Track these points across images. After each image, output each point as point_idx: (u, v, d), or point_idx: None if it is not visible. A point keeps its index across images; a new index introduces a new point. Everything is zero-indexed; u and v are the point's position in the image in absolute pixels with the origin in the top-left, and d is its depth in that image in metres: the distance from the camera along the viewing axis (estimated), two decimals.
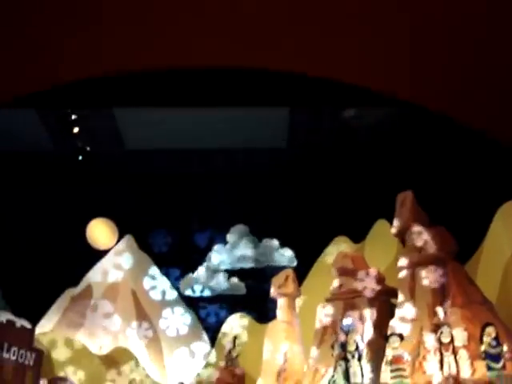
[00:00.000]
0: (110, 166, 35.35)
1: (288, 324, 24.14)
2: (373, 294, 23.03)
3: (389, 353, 15.72)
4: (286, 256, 30.10)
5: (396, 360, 15.32)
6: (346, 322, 15.98)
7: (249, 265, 31.16)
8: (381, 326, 22.16)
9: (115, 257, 34.02)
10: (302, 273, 28.02)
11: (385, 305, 23.18)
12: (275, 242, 30.95)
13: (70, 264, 33.16)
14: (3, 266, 32.18)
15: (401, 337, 15.77)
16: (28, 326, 26.33)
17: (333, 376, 16.55)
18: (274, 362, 23.48)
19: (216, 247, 31.95)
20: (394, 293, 23.58)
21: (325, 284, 25.54)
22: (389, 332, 18.23)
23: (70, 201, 35.39)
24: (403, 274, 20.31)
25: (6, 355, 25.13)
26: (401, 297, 20.30)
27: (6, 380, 24.47)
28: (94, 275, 33.57)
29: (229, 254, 31.26)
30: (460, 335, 15.51)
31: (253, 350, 28.59)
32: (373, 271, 23.64)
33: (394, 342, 15.66)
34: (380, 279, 23.70)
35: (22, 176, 35.46)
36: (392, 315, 21.54)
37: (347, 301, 22.59)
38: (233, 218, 32.07)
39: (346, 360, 15.33)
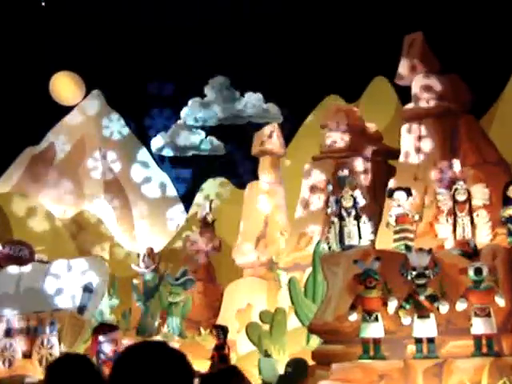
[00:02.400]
0: (76, 11, 31.90)
1: (271, 185, 21.59)
2: (369, 153, 20.54)
3: (393, 212, 13.02)
4: (271, 112, 26.97)
5: (401, 219, 12.66)
6: (342, 173, 13.16)
7: (229, 121, 28.06)
8: (375, 188, 19.88)
9: (81, 113, 31.05)
10: (288, 133, 25.26)
11: (381, 166, 20.79)
12: (259, 96, 27.72)
13: (30, 121, 30.30)
14: None
15: (408, 192, 12.98)
16: None
17: (326, 238, 13.93)
18: (254, 226, 21.07)
19: (192, 101, 28.64)
20: (391, 153, 21.10)
21: (314, 145, 23.07)
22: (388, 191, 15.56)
23: (31, 52, 32.07)
24: (407, 126, 17.53)
25: None
26: (403, 152, 17.65)
27: None
28: (58, 133, 30.64)
29: (206, 110, 28.08)
30: (480, 192, 12.82)
31: (230, 216, 26.30)
32: (369, 127, 21.04)
33: (399, 198, 12.88)
34: (376, 138, 21.12)
35: None
36: (389, 177, 19.15)
37: (339, 160, 20.09)
38: (211, 68, 28.54)
39: (341, 218, 12.62)
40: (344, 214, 12.98)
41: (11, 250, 23.16)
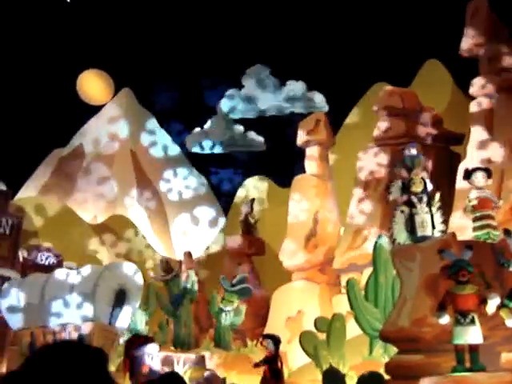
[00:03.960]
0: (104, 5, 30.60)
1: (319, 178, 19.75)
2: (429, 138, 18.69)
3: (472, 195, 11.11)
4: (315, 101, 25.00)
5: (482, 204, 10.72)
6: (409, 151, 11.22)
7: (269, 113, 26.17)
8: (437, 175, 18.00)
9: (110, 112, 29.59)
10: (333, 123, 23.43)
11: (443, 152, 18.92)
12: (302, 85, 25.78)
13: (57, 121, 29.01)
14: None
15: (488, 173, 11.05)
16: (2, 187, 22.36)
17: (389, 229, 12.02)
18: (302, 224, 19.25)
19: (229, 93, 26.83)
20: (453, 138, 19.24)
21: (363, 134, 21.31)
22: (461, 178, 13.59)
23: (57, 49, 30.87)
24: (478, 103, 15.61)
25: None
26: (475, 134, 15.70)
27: None
28: (86, 134, 29.20)
29: (244, 102, 26.26)
30: None
31: (273, 216, 24.59)
32: (428, 111, 19.18)
33: (479, 179, 10.94)
34: (436, 122, 19.23)
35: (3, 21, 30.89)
36: (452, 164, 17.26)
37: (395, 147, 18.27)
38: (249, 57, 26.68)
39: (411, 205, 10.73)
40: (414, 200, 11.03)
41: (37, 257, 21.80)
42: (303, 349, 14.45)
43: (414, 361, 9.86)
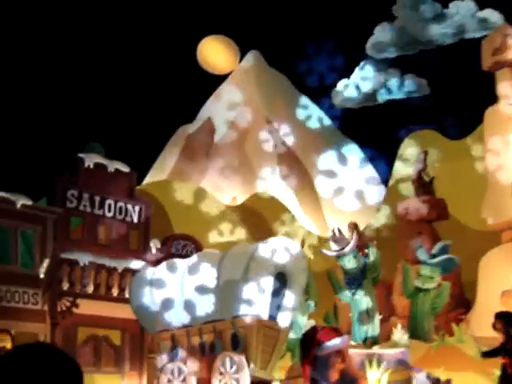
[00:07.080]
0: None
1: None
2: None
3: None
4: (490, 21, 20.47)
5: None
6: None
7: (431, 46, 21.86)
8: None
9: (239, 79, 26.52)
10: None
11: None
12: (470, 4, 21.35)
13: (180, 95, 26.30)
14: (100, 103, 26.01)
15: None
16: (125, 169, 19.52)
17: None
18: (506, 171, 15.18)
19: (379, 29, 22.73)
20: None
21: None
22: None
23: (177, 15, 28.36)
24: None
25: (98, 211, 18.58)
26: None
27: (105, 244, 18.27)
28: (214, 106, 26.24)
29: (399, 36, 22.11)
30: None
31: (446, 175, 20.56)
32: None
33: None
34: None
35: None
36: None
37: None
38: None
39: None
40: None
41: (173, 247, 19.01)
42: None
43: None
